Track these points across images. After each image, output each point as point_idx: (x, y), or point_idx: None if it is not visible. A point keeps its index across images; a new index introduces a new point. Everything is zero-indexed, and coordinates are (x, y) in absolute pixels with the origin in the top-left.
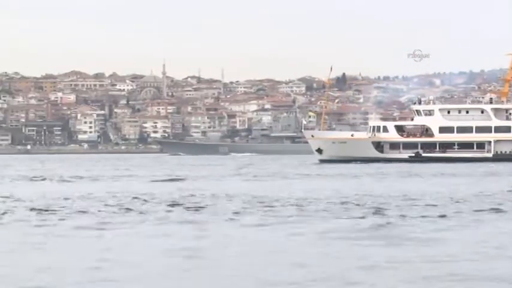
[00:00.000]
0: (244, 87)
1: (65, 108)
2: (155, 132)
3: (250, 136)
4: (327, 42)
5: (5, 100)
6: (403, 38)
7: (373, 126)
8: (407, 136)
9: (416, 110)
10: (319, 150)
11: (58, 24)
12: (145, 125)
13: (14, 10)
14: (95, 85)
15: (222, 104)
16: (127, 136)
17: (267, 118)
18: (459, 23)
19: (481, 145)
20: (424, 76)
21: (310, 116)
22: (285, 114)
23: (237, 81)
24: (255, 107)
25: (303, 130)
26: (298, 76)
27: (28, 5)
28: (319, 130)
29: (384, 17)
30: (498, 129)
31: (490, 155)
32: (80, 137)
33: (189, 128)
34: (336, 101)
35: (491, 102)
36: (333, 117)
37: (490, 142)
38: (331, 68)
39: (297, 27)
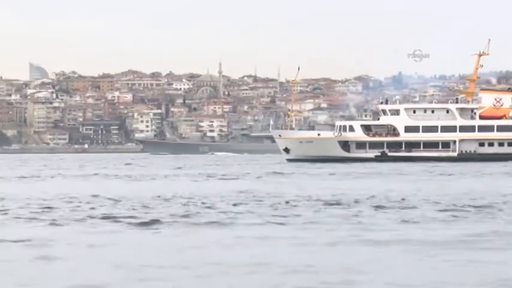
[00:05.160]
0: (300, 86)
1: (121, 107)
2: (211, 131)
3: (230, 136)
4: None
5: (62, 99)
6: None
7: (340, 126)
8: (374, 135)
9: (383, 110)
10: (287, 150)
11: (115, 23)
12: (201, 124)
13: (72, 11)
14: (151, 84)
15: (278, 103)
16: (183, 135)
17: (322, 117)
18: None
19: (446, 144)
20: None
21: (289, 116)
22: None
23: (293, 80)
24: (311, 106)
25: (271, 130)
26: (355, 75)
27: (85, 5)
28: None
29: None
30: (463, 129)
31: (455, 154)
32: (137, 135)
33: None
34: (394, 99)
35: (457, 102)
36: None
37: (455, 141)
38: (298, 68)
39: (353, 26)
